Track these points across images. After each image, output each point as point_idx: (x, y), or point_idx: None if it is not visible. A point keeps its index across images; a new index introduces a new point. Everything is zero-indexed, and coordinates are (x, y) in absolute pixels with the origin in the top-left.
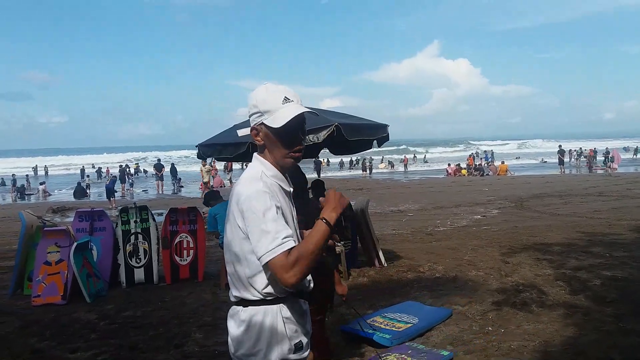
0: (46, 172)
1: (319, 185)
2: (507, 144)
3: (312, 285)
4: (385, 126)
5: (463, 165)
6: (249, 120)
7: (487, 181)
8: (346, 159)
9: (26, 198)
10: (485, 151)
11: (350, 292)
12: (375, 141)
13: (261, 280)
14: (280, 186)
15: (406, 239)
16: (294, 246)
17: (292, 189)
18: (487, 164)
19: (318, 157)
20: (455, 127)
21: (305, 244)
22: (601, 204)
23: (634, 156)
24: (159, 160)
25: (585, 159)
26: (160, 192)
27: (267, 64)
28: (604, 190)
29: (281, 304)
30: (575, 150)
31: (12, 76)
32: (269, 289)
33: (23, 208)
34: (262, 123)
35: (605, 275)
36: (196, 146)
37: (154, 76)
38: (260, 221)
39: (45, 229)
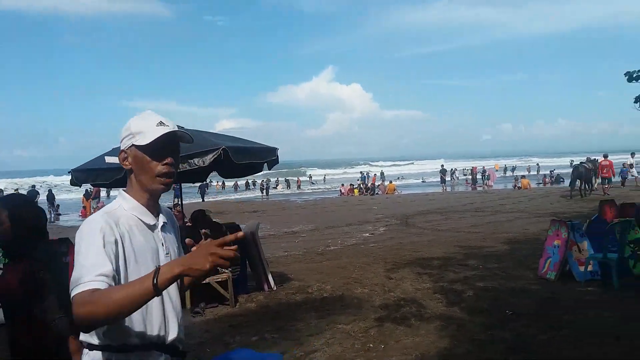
0: None
1: (198, 217)
2: (399, 164)
3: (171, 336)
4: (274, 149)
5: (356, 185)
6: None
7: (377, 200)
8: (241, 181)
9: None
10: (361, 172)
11: (237, 319)
12: (265, 164)
13: None
14: (141, 220)
15: (298, 260)
16: (101, 288)
17: (163, 222)
18: (362, 184)
19: (205, 181)
20: (352, 149)
21: (114, 292)
22: (478, 219)
23: (505, 174)
24: (32, 186)
25: (465, 178)
26: None
27: (162, 84)
28: (480, 206)
29: (127, 353)
30: (456, 169)
31: None
32: (108, 334)
33: None
34: (132, 145)
35: (479, 286)
36: (69, 172)
37: (37, 98)
38: (81, 256)
39: None
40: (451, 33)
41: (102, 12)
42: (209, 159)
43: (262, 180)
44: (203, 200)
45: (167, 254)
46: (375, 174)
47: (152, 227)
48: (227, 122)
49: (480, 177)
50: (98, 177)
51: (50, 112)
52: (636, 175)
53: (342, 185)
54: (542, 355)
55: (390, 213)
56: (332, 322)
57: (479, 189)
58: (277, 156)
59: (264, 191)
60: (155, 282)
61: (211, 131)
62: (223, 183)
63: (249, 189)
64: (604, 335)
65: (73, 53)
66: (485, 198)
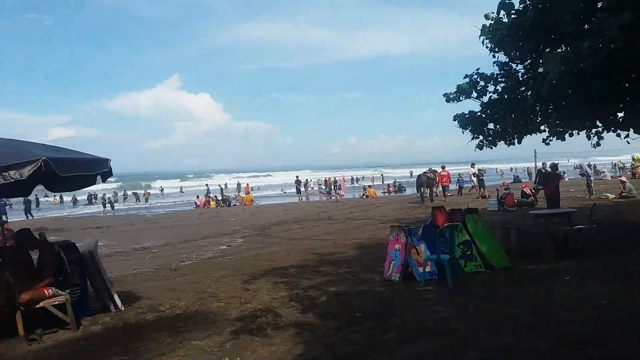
0: None
1: (24, 238)
2: (256, 176)
3: None
4: (106, 160)
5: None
6: None
7: (234, 211)
8: (82, 195)
9: None
10: (207, 184)
11: (79, 344)
12: (98, 176)
13: None
14: None
15: (149, 278)
16: None
17: None
18: (206, 196)
19: (28, 197)
20: (205, 160)
21: None
22: (330, 226)
23: (353, 184)
24: None
25: (319, 188)
26: None
27: None
28: (333, 214)
29: None
30: (309, 180)
31: None
32: None
33: None
34: None
35: (331, 291)
36: None
37: None
38: None
39: None
40: (298, 51)
41: None
42: (27, 171)
43: (104, 194)
44: (27, 217)
45: None
46: (224, 185)
47: None
48: (61, 130)
49: (333, 187)
50: None
51: None
52: (476, 184)
53: (198, 197)
54: (387, 352)
55: (248, 224)
56: (185, 339)
57: (332, 198)
58: (110, 168)
59: (108, 205)
60: None
61: (33, 141)
62: (61, 197)
63: (92, 203)
64: (440, 330)
65: None
66: (336, 207)
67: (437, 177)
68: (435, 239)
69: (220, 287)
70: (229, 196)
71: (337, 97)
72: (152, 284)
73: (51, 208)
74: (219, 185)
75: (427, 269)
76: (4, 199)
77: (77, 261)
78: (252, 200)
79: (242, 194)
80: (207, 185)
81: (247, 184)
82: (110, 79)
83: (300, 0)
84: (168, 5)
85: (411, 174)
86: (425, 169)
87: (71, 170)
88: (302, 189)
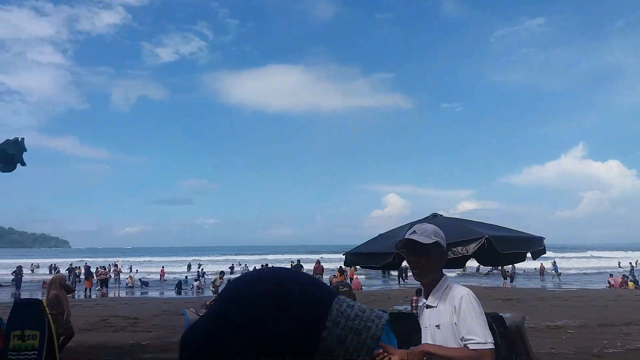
0: (201, 271)
1: None
2: None
3: None
4: (540, 239)
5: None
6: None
7: None
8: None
9: (182, 293)
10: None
11: None
12: (529, 254)
13: None
14: None
15: None
16: None
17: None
18: (623, 277)
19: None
20: (612, 231)
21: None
22: None
23: None
24: (298, 261)
25: None
26: None
27: (400, 168)
28: None
29: None
30: None
31: (176, 184)
32: None
33: (179, 303)
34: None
35: None
36: (343, 254)
37: (294, 182)
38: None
39: None
40: None
41: (349, 108)
42: (472, 247)
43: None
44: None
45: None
46: None
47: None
48: (467, 204)
49: None
50: (369, 260)
51: (304, 196)
52: None
53: (611, 275)
54: None
55: None
56: None
57: None
58: (544, 246)
59: (508, 278)
60: None
61: (472, 219)
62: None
63: (489, 273)
64: None
65: (323, 146)
66: None
67: None
68: None
69: None
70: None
71: None
72: None
73: (460, 276)
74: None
75: None
76: None
77: (504, 334)
78: None
79: None
80: (619, 263)
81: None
82: (512, 153)
83: None
84: (566, 76)
85: None
86: None
87: (509, 248)
88: None
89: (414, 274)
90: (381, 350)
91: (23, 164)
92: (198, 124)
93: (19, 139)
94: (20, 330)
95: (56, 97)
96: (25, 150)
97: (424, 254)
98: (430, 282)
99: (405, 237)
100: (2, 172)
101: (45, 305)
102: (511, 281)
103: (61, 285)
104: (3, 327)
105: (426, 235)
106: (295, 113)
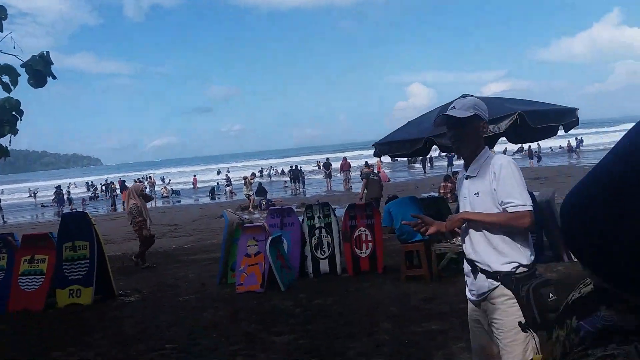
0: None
1: None
2: None
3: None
4: (573, 110)
5: None
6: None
7: None
8: (511, 146)
9: (216, 198)
10: None
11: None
12: (561, 127)
13: None
14: None
15: None
16: None
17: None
18: None
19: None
20: None
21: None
22: None
23: None
24: (327, 159)
25: None
26: (329, 189)
27: (421, 55)
28: None
29: None
30: None
31: (199, 93)
32: None
33: (214, 208)
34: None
35: None
36: (372, 145)
37: (316, 81)
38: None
39: (245, 225)
40: None
41: None
42: (504, 125)
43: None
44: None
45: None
46: None
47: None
48: (496, 85)
49: None
50: (399, 148)
51: (329, 94)
52: None
53: None
54: None
55: None
56: None
57: None
58: (577, 117)
59: (535, 157)
60: None
61: (504, 97)
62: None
63: (517, 152)
64: None
65: (346, 40)
66: None
67: None
68: None
69: None
70: None
71: None
72: None
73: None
74: None
75: None
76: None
77: (535, 210)
78: None
79: None
80: None
81: None
82: (541, 26)
83: None
84: None
85: None
86: None
87: (542, 122)
88: None
89: (453, 149)
90: (419, 221)
91: (54, 77)
92: (214, 29)
93: (44, 52)
94: (71, 241)
95: (68, 15)
96: (52, 64)
97: (463, 128)
98: (470, 155)
99: (445, 113)
100: (34, 87)
101: (90, 216)
102: (538, 161)
103: (139, 195)
104: (54, 240)
105: (465, 109)
106: (310, 7)
